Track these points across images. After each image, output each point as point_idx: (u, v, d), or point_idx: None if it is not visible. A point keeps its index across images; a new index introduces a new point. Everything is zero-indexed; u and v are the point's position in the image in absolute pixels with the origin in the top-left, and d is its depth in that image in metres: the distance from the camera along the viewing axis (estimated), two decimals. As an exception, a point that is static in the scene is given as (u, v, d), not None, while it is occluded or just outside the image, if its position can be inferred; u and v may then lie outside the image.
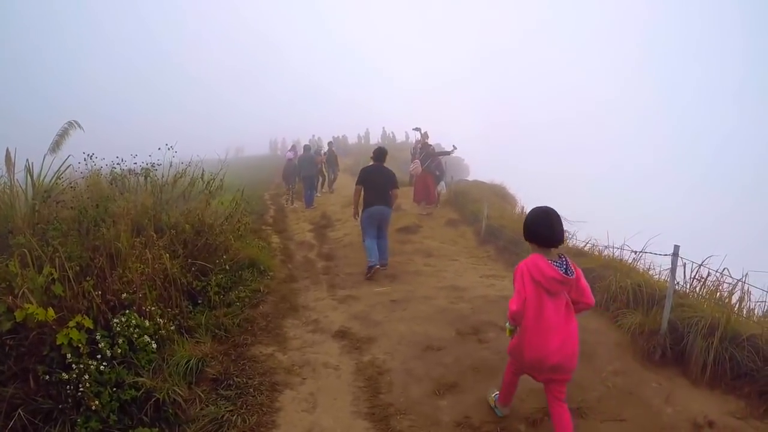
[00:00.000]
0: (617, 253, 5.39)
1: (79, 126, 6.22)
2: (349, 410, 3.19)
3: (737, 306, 3.70)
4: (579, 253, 6.26)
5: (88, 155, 5.76)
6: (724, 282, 3.81)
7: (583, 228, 6.61)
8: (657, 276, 4.67)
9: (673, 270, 3.64)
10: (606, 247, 5.68)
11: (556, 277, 2.37)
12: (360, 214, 6.45)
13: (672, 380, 3.30)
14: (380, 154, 6.59)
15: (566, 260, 2.47)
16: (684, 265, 3.88)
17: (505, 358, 2.95)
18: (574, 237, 6.71)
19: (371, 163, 6.61)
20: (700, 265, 3.88)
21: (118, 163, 6.15)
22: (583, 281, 2.49)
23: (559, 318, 2.42)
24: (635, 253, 4.93)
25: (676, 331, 3.54)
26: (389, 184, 6.37)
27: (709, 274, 3.89)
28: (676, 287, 3.78)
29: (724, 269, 3.74)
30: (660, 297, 3.91)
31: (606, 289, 4.50)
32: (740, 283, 3.68)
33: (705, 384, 3.19)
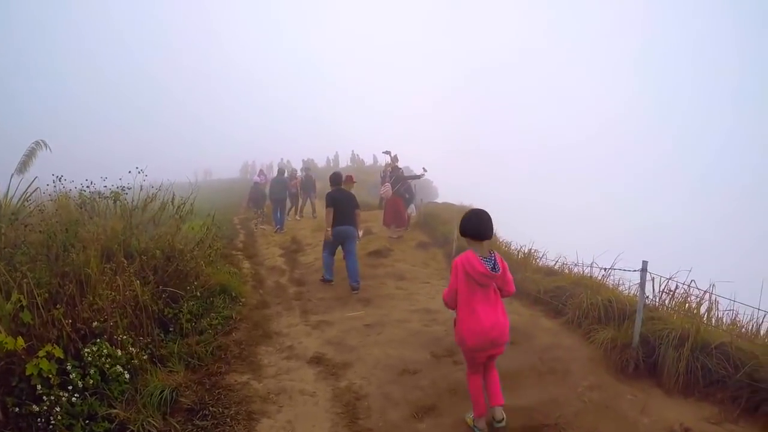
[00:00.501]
0: (587, 270, 5.55)
1: (47, 146, 6.06)
2: (328, 437, 3.14)
3: (706, 316, 3.86)
4: (550, 272, 6.41)
5: (57, 177, 5.58)
6: (691, 294, 3.97)
7: (553, 248, 6.80)
8: (627, 291, 4.82)
9: (642, 285, 3.77)
10: (575, 264, 5.85)
11: (485, 273, 2.80)
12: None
13: (646, 391, 3.39)
14: (338, 178, 7.10)
15: (495, 256, 2.88)
16: (653, 280, 4.03)
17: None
18: (545, 256, 6.88)
19: (331, 188, 7.00)
20: (669, 279, 4.04)
21: (87, 186, 5.98)
22: (509, 275, 2.94)
23: (488, 303, 2.88)
24: (605, 270, 5.08)
25: (648, 343, 3.65)
26: (352, 205, 6.92)
27: (677, 287, 4.06)
28: (646, 301, 3.91)
29: (691, 281, 3.91)
30: (631, 311, 4.03)
31: (578, 306, 4.61)
32: (707, 294, 3.85)
33: (679, 393, 3.29)
